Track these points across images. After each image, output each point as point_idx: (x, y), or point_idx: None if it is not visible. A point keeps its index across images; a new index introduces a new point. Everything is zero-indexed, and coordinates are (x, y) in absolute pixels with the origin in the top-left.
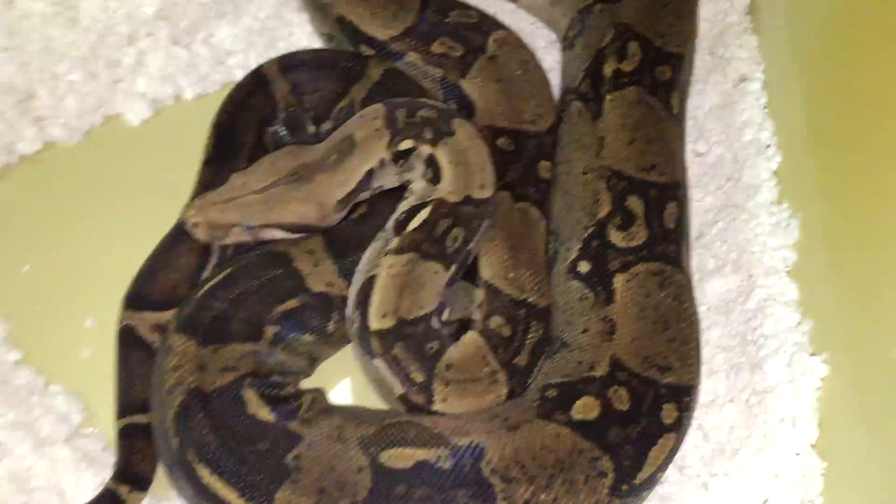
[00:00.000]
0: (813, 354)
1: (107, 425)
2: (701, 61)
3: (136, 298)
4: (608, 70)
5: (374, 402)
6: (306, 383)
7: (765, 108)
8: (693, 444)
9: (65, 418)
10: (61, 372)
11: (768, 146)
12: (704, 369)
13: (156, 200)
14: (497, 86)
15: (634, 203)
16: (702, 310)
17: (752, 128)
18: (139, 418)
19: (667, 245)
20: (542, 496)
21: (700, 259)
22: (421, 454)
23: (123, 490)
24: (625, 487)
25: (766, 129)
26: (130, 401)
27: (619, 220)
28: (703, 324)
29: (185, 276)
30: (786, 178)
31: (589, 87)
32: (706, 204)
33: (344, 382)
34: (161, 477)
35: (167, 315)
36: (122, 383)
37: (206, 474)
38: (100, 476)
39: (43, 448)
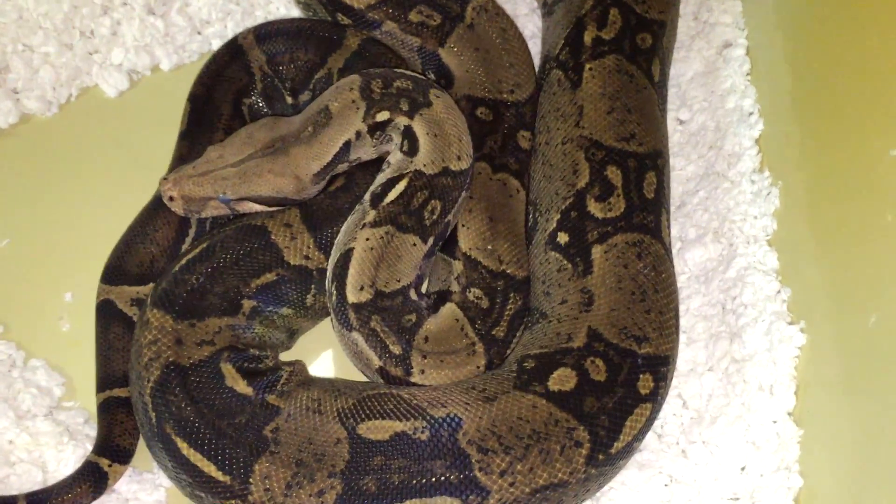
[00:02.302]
0: (791, 323)
1: (87, 399)
2: (685, 26)
3: (114, 272)
4: (588, 38)
5: (355, 373)
6: (287, 356)
7: (748, 75)
8: (672, 412)
9: (46, 392)
10: (41, 346)
11: (751, 114)
12: (684, 338)
13: (133, 173)
14: (476, 55)
15: (613, 173)
16: (682, 279)
17: (735, 95)
18: (119, 392)
19: (645, 215)
20: (519, 466)
21: (681, 228)
22: (398, 426)
23: (104, 463)
24: (601, 457)
25: (748, 97)
26: (110, 374)
27: (597, 191)
28: (684, 293)
29: (163, 249)
30: (768, 146)
31: (569, 55)
32: (688, 173)
33: (325, 354)
34: (142, 449)
35: (146, 289)
36: (101, 357)
37: (184, 447)
38: (81, 449)
39: (24, 422)
